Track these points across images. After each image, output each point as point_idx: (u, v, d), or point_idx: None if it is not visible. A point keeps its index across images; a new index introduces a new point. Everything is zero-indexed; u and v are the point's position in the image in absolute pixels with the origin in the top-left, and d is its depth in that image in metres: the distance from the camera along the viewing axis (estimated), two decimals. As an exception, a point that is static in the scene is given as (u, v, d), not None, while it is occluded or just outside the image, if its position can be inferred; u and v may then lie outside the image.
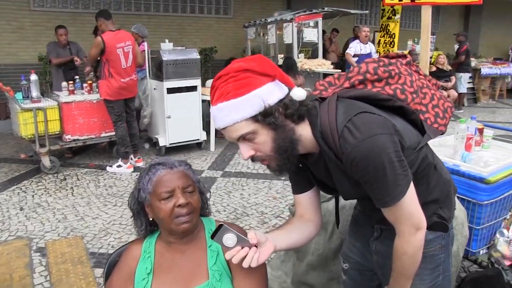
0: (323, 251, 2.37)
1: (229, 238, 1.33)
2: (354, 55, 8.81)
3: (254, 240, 1.35)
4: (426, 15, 3.26)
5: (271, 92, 1.32)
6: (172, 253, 1.55)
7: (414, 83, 1.53)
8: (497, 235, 2.49)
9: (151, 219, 1.57)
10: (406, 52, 8.55)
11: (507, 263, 2.38)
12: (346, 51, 9.02)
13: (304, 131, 1.39)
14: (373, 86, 1.49)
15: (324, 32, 9.89)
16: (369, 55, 8.78)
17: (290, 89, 1.36)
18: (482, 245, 2.49)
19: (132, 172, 5.86)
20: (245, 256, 1.33)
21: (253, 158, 1.39)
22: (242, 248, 1.34)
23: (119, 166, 5.88)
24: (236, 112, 1.29)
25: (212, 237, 1.35)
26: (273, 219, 4.38)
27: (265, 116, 1.30)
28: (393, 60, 1.57)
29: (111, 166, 5.92)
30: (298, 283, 2.52)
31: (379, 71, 1.49)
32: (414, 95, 1.51)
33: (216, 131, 7.02)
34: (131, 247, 1.61)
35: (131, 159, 6.05)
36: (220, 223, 1.36)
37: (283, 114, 1.33)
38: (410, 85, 1.51)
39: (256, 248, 1.36)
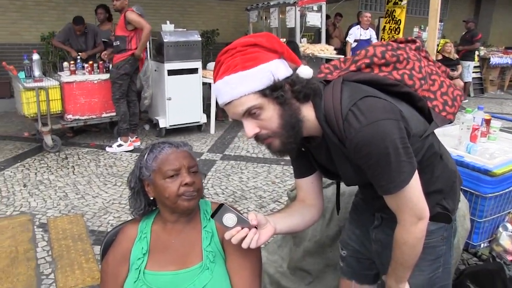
0: (321, 237, 2.35)
1: (229, 218, 1.32)
2: (354, 41, 8.90)
3: (254, 221, 1.33)
4: (435, -1, 3.16)
5: (278, 68, 1.29)
6: (168, 234, 1.54)
7: (422, 69, 1.49)
8: (500, 229, 2.45)
9: (151, 198, 1.55)
10: (412, 39, 8.48)
11: (509, 257, 2.34)
12: (347, 39, 9.01)
13: (307, 113, 1.35)
14: (380, 71, 1.45)
15: (328, 16, 9.77)
16: (368, 41, 8.85)
17: (296, 68, 1.33)
18: (484, 239, 2.45)
19: (132, 152, 5.87)
20: (245, 237, 1.31)
21: (257, 137, 1.34)
22: (242, 228, 1.32)
23: (119, 145, 5.89)
24: (243, 85, 1.25)
25: (212, 216, 1.34)
26: (271, 203, 4.38)
27: (273, 90, 1.27)
28: (402, 45, 1.52)
29: (111, 146, 5.92)
30: (294, 268, 2.51)
31: (387, 55, 1.45)
32: (422, 81, 1.47)
33: (217, 113, 6.99)
34: (127, 228, 1.59)
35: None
36: (221, 203, 1.34)
37: (290, 91, 1.30)
38: (418, 70, 1.47)
39: (256, 230, 1.34)
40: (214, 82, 1.32)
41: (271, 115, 1.29)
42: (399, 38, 1.59)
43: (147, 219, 1.59)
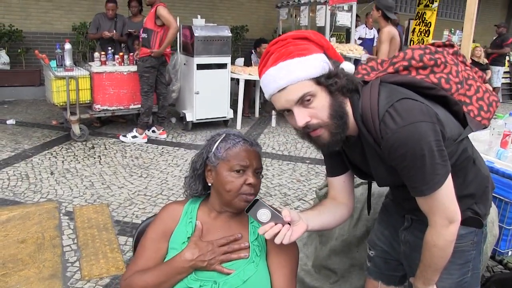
0: (348, 237, 2.36)
1: (263, 213, 1.34)
2: (359, 38, 9.32)
3: (288, 217, 1.35)
4: (472, 2, 3.10)
5: (326, 61, 1.33)
6: (213, 223, 1.54)
7: (459, 74, 1.49)
8: (528, 237, 2.43)
9: (210, 184, 1.55)
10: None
11: (536, 267, 2.32)
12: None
13: (347, 109, 1.38)
14: (418, 73, 1.47)
15: (357, 16, 9.79)
16: (372, 40, 9.36)
17: (339, 63, 1.37)
18: (511, 246, 2.44)
19: (158, 144, 5.92)
20: (278, 233, 1.33)
21: (306, 128, 1.34)
22: (276, 224, 1.34)
23: (134, 136, 5.96)
24: (301, 70, 1.29)
25: (247, 211, 1.36)
26: (296, 201, 4.39)
27: (328, 78, 1.30)
28: (439, 49, 1.53)
29: (125, 136, 5.98)
30: (320, 267, 2.52)
31: (425, 58, 1.46)
32: (459, 86, 1.48)
33: (243, 109, 7.00)
34: (171, 207, 1.60)
35: (154, 131, 6.20)
36: (256, 198, 1.37)
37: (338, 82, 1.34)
38: (455, 75, 1.48)
39: (289, 226, 1.36)
40: (263, 72, 1.35)
41: (323, 104, 1.32)
42: (436, 42, 1.60)
43: (193, 204, 1.59)
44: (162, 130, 6.28)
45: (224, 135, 1.54)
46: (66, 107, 5.61)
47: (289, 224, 1.36)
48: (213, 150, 1.51)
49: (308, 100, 1.30)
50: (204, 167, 1.54)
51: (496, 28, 10.89)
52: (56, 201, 4.05)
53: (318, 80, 1.29)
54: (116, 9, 6.75)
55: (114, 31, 6.59)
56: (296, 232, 1.37)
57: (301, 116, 1.32)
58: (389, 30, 5.43)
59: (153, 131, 6.22)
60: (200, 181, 1.57)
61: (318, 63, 1.30)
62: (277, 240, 1.33)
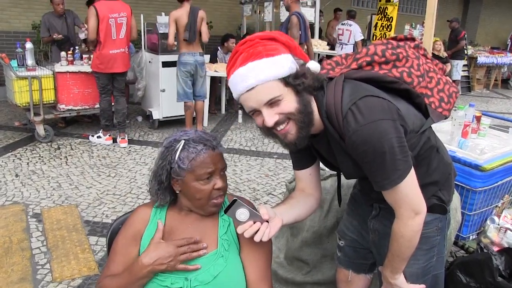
0: (318, 228, 2.41)
1: (242, 213, 1.37)
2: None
3: (266, 215, 1.39)
4: (432, -1, 3.19)
5: (294, 61, 1.36)
6: (184, 220, 1.55)
7: (421, 67, 1.55)
8: (488, 222, 2.52)
9: (177, 191, 1.53)
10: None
11: (495, 249, 2.42)
12: None
13: (313, 107, 1.42)
14: (380, 68, 1.52)
15: (321, 12, 9.88)
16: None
17: (305, 63, 1.40)
18: (472, 231, 2.53)
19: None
20: (257, 231, 1.37)
21: (276, 124, 1.37)
22: (254, 223, 1.37)
23: (98, 137, 5.85)
24: (269, 70, 1.31)
25: (226, 211, 1.38)
26: (265, 196, 4.43)
27: (295, 78, 1.34)
28: (401, 43, 1.58)
29: (93, 135, 5.90)
30: (292, 259, 2.56)
31: (387, 53, 1.51)
32: (421, 79, 1.54)
33: (210, 106, 6.98)
34: (141, 210, 1.59)
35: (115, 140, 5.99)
36: (234, 198, 1.39)
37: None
38: (417, 68, 1.54)
39: (268, 224, 1.39)
40: (231, 73, 1.37)
41: (291, 103, 1.35)
42: (398, 36, 1.65)
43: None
44: (122, 139, 5.83)
45: (183, 142, 1.47)
46: (29, 107, 5.49)
47: (267, 221, 1.40)
48: (175, 160, 1.46)
49: (277, 102, 1.34)
50: (170, 178, 1.51)
51: (449, 23, 11.20)
52: (22, 203, 3.97)
53: (286, 80, 1.33)
54: (64, 4, 6.37)
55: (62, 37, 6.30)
56: (273, 228, 1.41)
57: (270, 117, 1.35)
58: (173, 13, 5.59)
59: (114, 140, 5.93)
60: (168, 192, 1.54)
61: (286, 63, 1.33)
62: (257, 238, 1.36)
